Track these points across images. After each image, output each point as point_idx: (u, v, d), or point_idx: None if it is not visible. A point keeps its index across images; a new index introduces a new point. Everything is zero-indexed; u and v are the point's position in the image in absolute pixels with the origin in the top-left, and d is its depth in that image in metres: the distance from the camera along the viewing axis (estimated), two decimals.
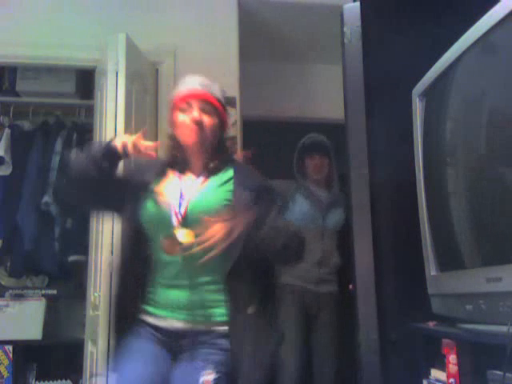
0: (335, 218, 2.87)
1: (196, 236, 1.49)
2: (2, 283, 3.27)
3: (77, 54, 2.97)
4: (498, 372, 1.32)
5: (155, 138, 3.00)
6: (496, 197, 1.45)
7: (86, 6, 3.07)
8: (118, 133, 2.47)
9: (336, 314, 2.81)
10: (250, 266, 1.54)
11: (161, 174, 1.67)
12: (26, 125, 3.36)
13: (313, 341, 2.81)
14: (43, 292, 3.20)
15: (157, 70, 3.04)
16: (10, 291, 3.17)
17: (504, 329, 1.30)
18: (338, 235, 2.88)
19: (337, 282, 2.86)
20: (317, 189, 2.92)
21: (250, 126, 3.26)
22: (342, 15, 2.11)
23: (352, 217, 2.01)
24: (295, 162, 2.98)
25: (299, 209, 2.84)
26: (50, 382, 3.09)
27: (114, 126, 2.48)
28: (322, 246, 2.81)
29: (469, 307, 1.54)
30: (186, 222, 1.55)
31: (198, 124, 1.62)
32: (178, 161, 1.70)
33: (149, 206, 1.59)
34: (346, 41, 2.07)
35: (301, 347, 2.72)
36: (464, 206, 1.66)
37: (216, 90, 1.71)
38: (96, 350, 2.32)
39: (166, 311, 1.57)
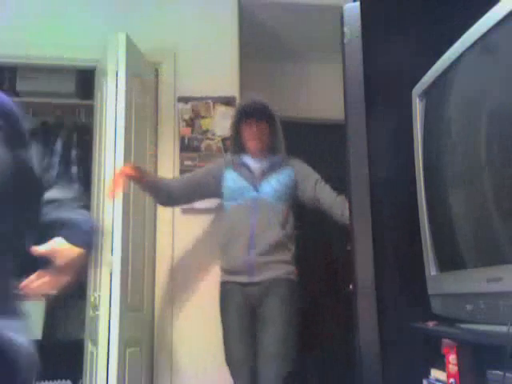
0: (271, 185, 2.50)
1: None
2: None
3: (77, 54, 2.97)
4: (498, 372, 1.32)
5: (155, 137, 3.00)
6: (496, 197, 1.45)
7: (86, 6, 3.07)
8: (117, 133, 2.47)
9: (287, 305, 2.38)
10: None
11: None
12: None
13: (257, 341, 2.38)
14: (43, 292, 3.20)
15: (157, 70, 3.04)
16: None
17: (504, 329, 1.30)
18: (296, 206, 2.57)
19: (288, 264, 2.46)
20: (253, 160, 2.61)
21: None
22: (341, 15, 2.11)
23: (352, 217, 2.01)
24: (231, 131, 2.66)
25: (226, 185, 2.55)
26: (50, 381, 3.09)
27: (113, 126, 2.48)
28: (253, 222, 2.43)
29: (469, 307, 1.54)
30: None
31: None
32: None
33: None
34: (345, 41, 2.07)
35: (245, 349, 2.38)
36: (464, 206, 1.65)
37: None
38: (96, 350, 2.32)
39: None
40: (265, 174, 2.53)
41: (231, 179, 2.53)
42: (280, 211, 2.47)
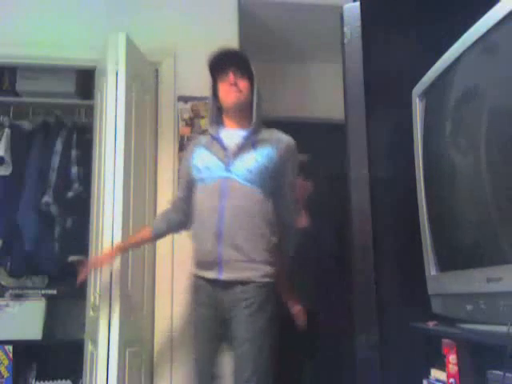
0: (245, 164, 2.03)
1: None
2: (2, 283, 3.26)
3: (77, 54, 2.97)
4: (498, 372, 1.32)
5: (155, 137, 3.00)
6: (496, 196, 1.45)
7: (86, 6, 3.07)
8: (117, 133, 2.47)
9: (264, 312, 1.94)
10: None
11: None
12: (26, 125, 3.36)
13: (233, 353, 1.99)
14: (43, 292, 3.20)
15: (157, 69, 3.04)
16: (10, 291, 3.17)
17: (504, 329, 1.30)
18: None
19: (265, 264, 1.97)
20: (228, 133, 2.14)
21: None
22: (341, 15, 2.11)
23: (352, 217, 2.01)
24: (210, 94, 2.22)
25: (193, 163, 2.14)
26: (50, 381, 3.09)
27: (113, 126, 2.48)
28: (221, 208, 1.98)
29: (469, 307, 1.54)
30: None
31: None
32: None
33: None
34: (345, 41, 2.07)
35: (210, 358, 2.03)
36: (464, 206, 1.65)
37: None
38: (96, 350, 2.31)
39: None
40: (240, 149, 2.06)
41: (199, 157, 2.13)
42: (256, 197, 2.02)
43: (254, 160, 2.04)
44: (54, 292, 3.21)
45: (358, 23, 2.06)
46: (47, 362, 3.13)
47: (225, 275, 1.97)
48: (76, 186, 3.17)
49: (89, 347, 2.51)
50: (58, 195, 3.16)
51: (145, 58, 2.87)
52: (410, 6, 2.06)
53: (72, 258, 3.11)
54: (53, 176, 3.21)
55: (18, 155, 3.25)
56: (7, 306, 3.07)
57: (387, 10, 2.08)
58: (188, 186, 2.17)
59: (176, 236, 2.93)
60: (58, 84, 3.31)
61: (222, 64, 2.11)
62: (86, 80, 3.31)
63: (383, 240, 1.98)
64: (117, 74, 2.55)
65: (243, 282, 1.95)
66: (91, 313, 2.52)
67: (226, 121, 2.18)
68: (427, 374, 1.75)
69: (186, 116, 3.06)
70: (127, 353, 2.39)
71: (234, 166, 2.04)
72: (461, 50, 1.59)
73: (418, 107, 1.88)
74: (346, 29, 2.07)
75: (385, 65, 2.06)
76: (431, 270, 1.78)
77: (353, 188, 2.01)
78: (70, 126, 3.35)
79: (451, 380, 1.60)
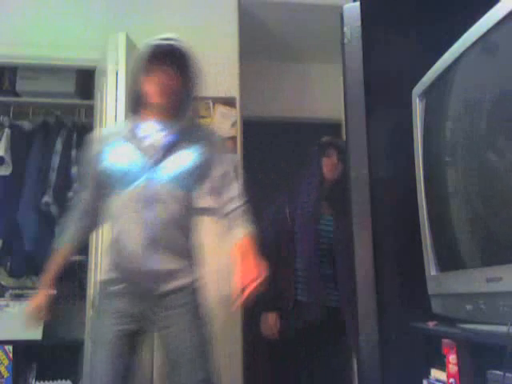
0: (175, 163, 1.81)
1: None
2: (2, 283, 3.27)
3: (77, 54, 2.97)
4: (498, 372, 1.32)
5: None
6: (496, 196, 1.45)
7: (86, 6, 3.07)
8: None
9: (199, 318, 1.82)
10: None
11: None
12: (26, 125, 3.36)
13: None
14: None
15: None
16: (10, 291, 3.17)
17: (504, 329, 1.30)
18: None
19: (199, 268, 1.88)
20: (150, 127, 1.86)
21: (249, 126, 3.26)
22: (341, 15, 2.11)
23: (352, 217, 2.01)
24: (130, 82, 1.96)
25: (105, 165, 1.84)
26: (50, 381, 3.09)
27: None
28: (146, 218, 1.76)
29: (469, 307, 1.54)
30: None
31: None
32: None
33: None
34: (346, 41, 2.07)
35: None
36: (464, 206, 1.65)
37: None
38: None
39: None
40: (168, 147, 1.82)
41: (117, 154, 1.82)
42: (186, 200, 1.84)
43: (184, 159, 1.82)
44: (54, 292, 3.21)
45: (358, 23, 2.06)
46: (47, 362, 3.13)
47: (154, 285, 1.78)
48: (76, 185, 3.17)
49: (89, 347, 2.51)
50: (58, 195, 3.16)
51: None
52: (410, 6, 2.06)
53: (72, 258, 3.11)
54: (53, 176, 3.21)
55: (17, 155, 3.25)
56: (7, 306, 3.07)
57: (387, 10, 2.08)
58: (98, 187, 1.88)
59: None
60: (58, 84, 3.31)
61: (157, 58, 1.82)
62: (85, 80, 3.31)
63: (383, 240, 1.98)
64: (117, 74, 2.55)
65: (174, 291, 1.79)
66: (91, 313, 2.52)
67: (147, 112, 1.88)
68: (427, 374, 1.75)
69: None
70: None
71: (161, 166, 1.80)
72: (461, 50, 1.59)
73: (417, 107, 1.88)
74: (345, 29, 2.07)
75: (385, 65, 2.06)
76: (431, 270, 1.78)
77: (353, 188, 2.01)
78: (70, 126, 3.35)
79: (451, 380, 1.60)
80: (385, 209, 2.01)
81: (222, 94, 3.08)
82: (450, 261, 1.71)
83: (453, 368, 1.60)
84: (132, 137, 1.85)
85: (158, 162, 1.80)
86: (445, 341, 1.64)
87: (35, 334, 3.01)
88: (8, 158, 3.23)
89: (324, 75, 3.89)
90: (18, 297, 3.13)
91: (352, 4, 2.11)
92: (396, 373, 1.88)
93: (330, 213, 2.81)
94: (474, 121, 1.57)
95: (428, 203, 1.82)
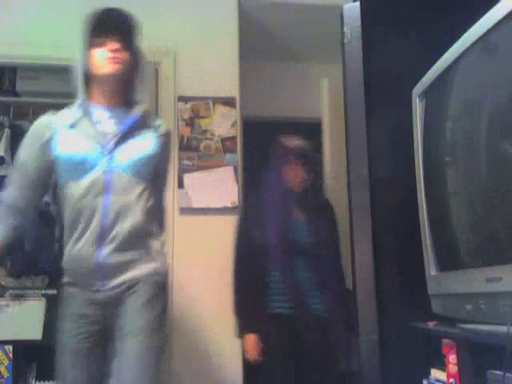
0: (130, 152, 1.73)
1: None
2: (2, 283, 3.26)
3: (77, 54, 2.97)
4: (498, 372, 1.32)
5: None
6: (496, 197, 1.45)
7: (86, 6, 3.07)
8: None
9: (154, 309, 1.70)
10: None
11: None
12: (26, 125, 3.35)
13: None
14: (43, 292, 3.19)
15: (157, 70, 3.04)
16: (10, 291, 3.17)
17: (504, 329, 1.30)
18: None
19: (155, 261, 1.75)
20: (102, 112, 1.77)
21: (249, 126, 3.26)
22: (341, 15, 2.11)
23: (352, 217, 2.01)
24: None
25: (57, 153, 1.73)
26: (50, 381, 3.09)
27: None
28: (103, 208, 1.67)
29: (469, 307, 1.54)
30: None
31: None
32: None
33: None
34: (346, 41, 2.07)
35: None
36: (464, 206, 1.65)
37: None
38: None
39: None
40: (123, 135, 1.74)
41: (68, 141, 1.72)
42: (141, 190, 1.74)
43: (138, 148, 1.75)
44: (54, 292, 3.21)
45: (358, 23, 2.06)
46: (47, 361, 3.13)
47: (111, 282, 1.69)
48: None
49: None
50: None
51: (145, 58, 2.88)
52: (410, 6, 2.06)
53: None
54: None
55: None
56: (7, 305, 3.06)
57: (387, 10, 2.08)
58: (41, 175, 1.79)
59: (175, 237, 2.94)
60: (58, 84, 3.30)
61: (104, 26, 1.78)
62: None
63: (383, 240, 1.98)
64: None
65: (131, 285, 1.69)
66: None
67: (97, 95, 1.81)
68: (427, 374, 1.75)
69: (186, 116, 3.06)
70: None
71: (116, 155, 1.71)
72: (461, 50, 1.59)
73: (418, 107, 1.88)
74: (345, 29, 2.07)
75: (385, 65, 2.06)
76: (431, 270, 1.78)
77: (353, 188, 2.01)
78: None
79: (451, 380, 1.60)
80: (385, 209, 2.01)
81: (222, 94, 3.08)
82: (450, 261, 1.71)
83: (453, 368, 1.60)
84: (83, 123, 1.76)
85: (112, 150, 1.71)
86: (445, 341, 1.65)
87: (35, 333, 3.01)
88: (8, 158, 3.23)
89: (324, 75, 3.88)
90: (17, 297, 3.13)
91: (352, 4, 2.11)
92: (396, 373, 1.88)
93: (303, 217, 2.54)
94: (474, 121, 1.57)
95: (428, 203, 1.82)
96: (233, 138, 3.03)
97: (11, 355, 2.97)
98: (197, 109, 3.07)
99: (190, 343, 2.84)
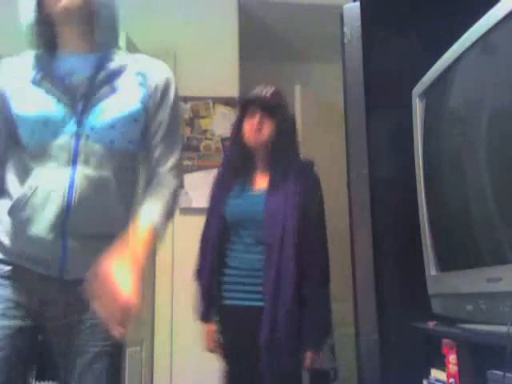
0: (105, 113, 1.30)
1: None
2: None
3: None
4: (498, 372, 1.32)
5: None
6: (496, 197, 1.45)
7: None
8: None
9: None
10: None
11: None
12: None
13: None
14: None
15: None
16: None
17: (504, 329, 1.30)
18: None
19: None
20: (69, 60, 1.34)
21: None
22: (341, 15, 2.11)
23: (352, 217, 2.01)
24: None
25: (22, 109, 1.31)
26: (50, 381, 3.09)
27: None
28: (69, 183, 1.26)
29: (469, 307, 1.54)
30: None
31: None
32: None
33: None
34: (346, 41, 2.07)
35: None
36: (464, 206, 1.65)
37: None
38: None
39: None
40: (93, 89, 1.31)
41: (25, 97, 1.32)
42: (120, 163, 1.34)
43: (116, 106, 1.31)
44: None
45: (358, 23, 2.06)
46: (47, 361, 3.13)
47: (69, 274, 1.31)
48: None
49: None
50: None
51: None
52: (409, 6, 2.06)
53: None
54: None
55: None
56: None
57: (387, 10, 2.08)
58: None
59: (176, 236, 2.94)
60: None
61: None
62: None
63: (383, 240, 1.98)
64: None
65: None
66: None
67: (62, 39, 1.39)
68: (427, 374, 1.75)
69: (186, 116, 3.06)
70: (127, 353, 2.39)
71: (86, 116, 1.29)
72: (461, 50, 1.59)
73: (418, 107, 1.88)
74: (345, 29, 2.07)
75: (385, 65, 2.06)
76: (431, 269, 1.78)
77: (353, 188, 2.01)
78: None
79: (451, 380, 1.60)
80: (385, 209, 2.01)
81: (221, 94, 3.09)
82: (449, 261, 1.71)
83: (453, 368, 1.60)
84: (45, 74, 1.34)
85: (83, 110, 1.29)
86: (445, 341, 1.64)
87: None
88: None
89: (324, 75, 3.89)
90: None
91: (352, 4, 2.11)
92: (396, 373, 1.88)
93: (261, 187, 2.10)
94: (474, 121, 1.57)
95: (428, 203, 1.82)
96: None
97: None
98: (197, 109, 3.08)
99: (190, 343, 2.84)
